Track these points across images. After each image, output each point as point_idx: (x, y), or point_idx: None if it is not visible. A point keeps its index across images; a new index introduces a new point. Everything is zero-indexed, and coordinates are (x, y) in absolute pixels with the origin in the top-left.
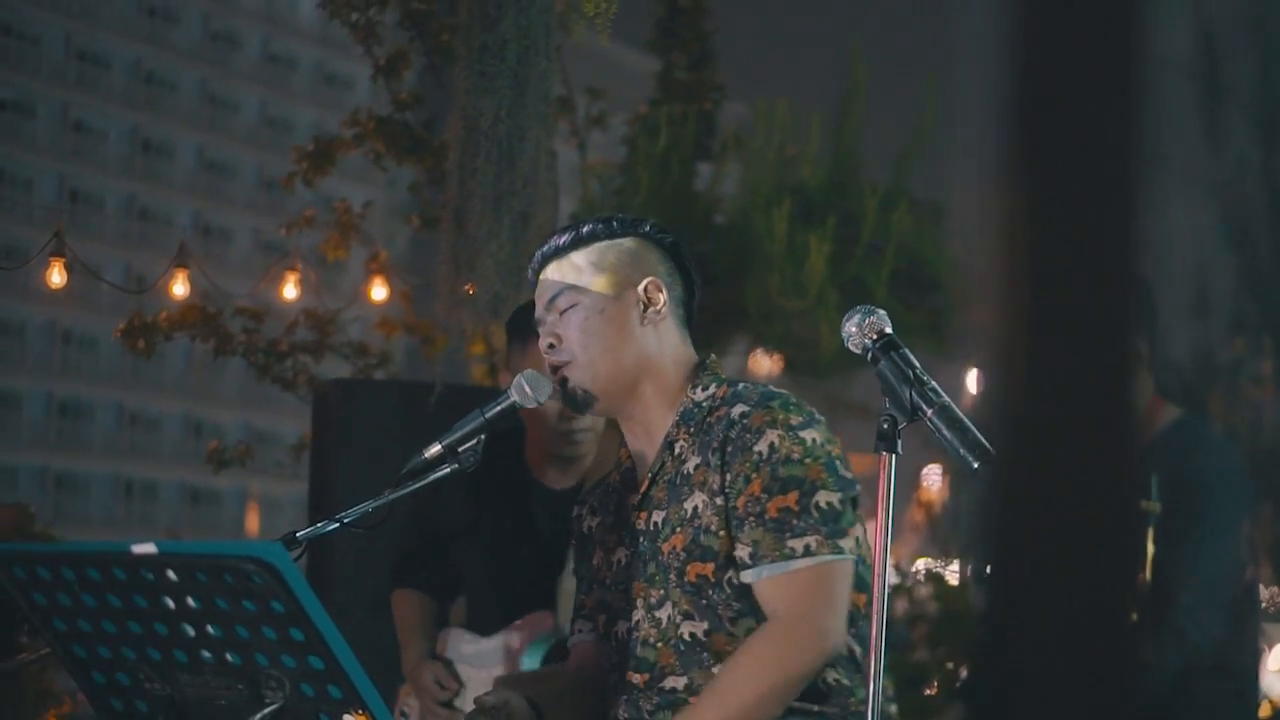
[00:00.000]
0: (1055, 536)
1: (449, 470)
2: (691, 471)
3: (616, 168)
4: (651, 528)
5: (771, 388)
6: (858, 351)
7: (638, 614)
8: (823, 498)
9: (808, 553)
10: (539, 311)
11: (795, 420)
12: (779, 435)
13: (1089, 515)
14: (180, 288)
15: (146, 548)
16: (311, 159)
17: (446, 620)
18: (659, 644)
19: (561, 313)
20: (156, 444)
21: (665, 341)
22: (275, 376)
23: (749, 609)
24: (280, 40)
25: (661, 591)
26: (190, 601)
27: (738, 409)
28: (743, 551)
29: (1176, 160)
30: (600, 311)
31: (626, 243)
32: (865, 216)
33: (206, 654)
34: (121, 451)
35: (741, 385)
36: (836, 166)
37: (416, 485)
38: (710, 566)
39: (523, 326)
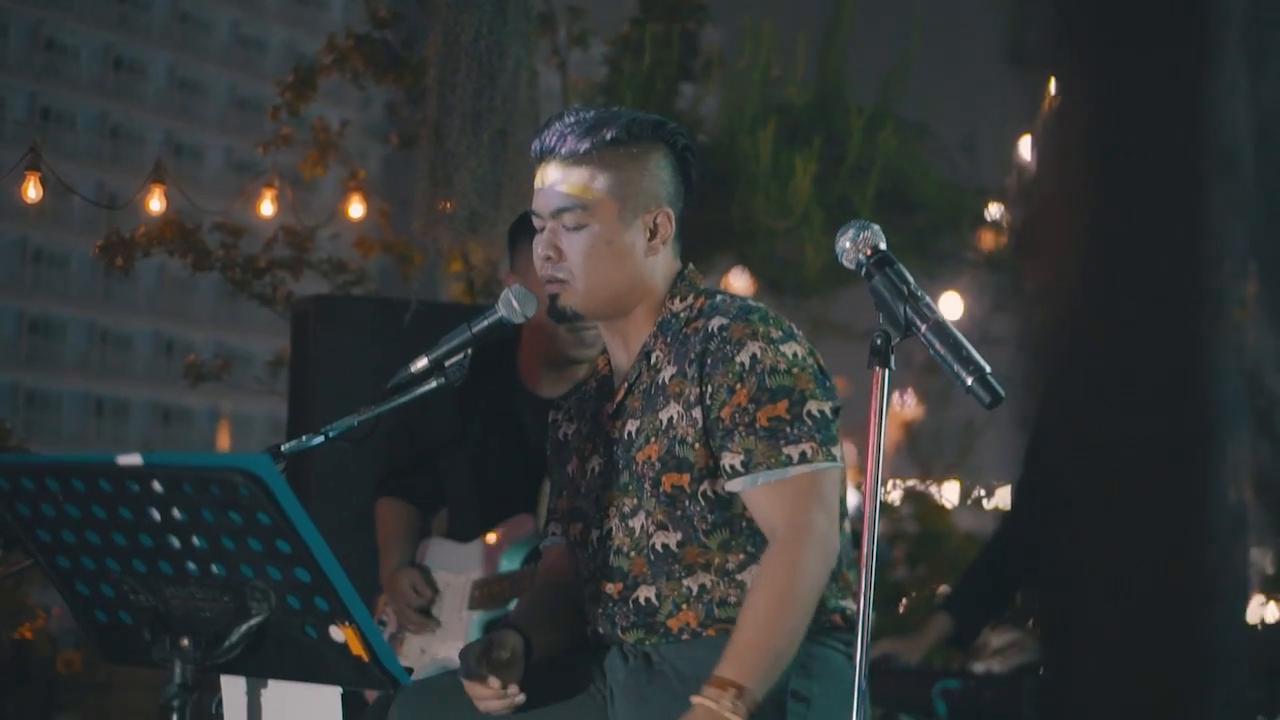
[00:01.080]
0: (1120, 486)
1: (435, 385)
2: (667, 382)
3: (598, 87)
4: (626, 437)
5: (749, 301)
6: (851, 267)
7: (611, 522)
8: (813, 406)
9: (804, 460)
10: (538, 208)
11: (775, 334)
12: (760, 347)
13: (1155, 458)
14: (157, 203)
15: (132, 459)
16: (293, 89)
17: (429, 531)
18: (632, 553)
19: (567, 227)
20: (128, 362)
21: (663, 259)
22: (253, 293)
23: (724, 521)
24: None
25: (635, 500)
26: (176, 513)
27: (716, 321)
28: (732, 460)
29: None
30: (608, 243)
31: (644, 156)
32: (851, 137)
33: (192, 566)
34: (93, 369)
35: (719, 297)
36: (822, 87)
37: (402, 399)
38: (685, 478)
39: (529, 227)
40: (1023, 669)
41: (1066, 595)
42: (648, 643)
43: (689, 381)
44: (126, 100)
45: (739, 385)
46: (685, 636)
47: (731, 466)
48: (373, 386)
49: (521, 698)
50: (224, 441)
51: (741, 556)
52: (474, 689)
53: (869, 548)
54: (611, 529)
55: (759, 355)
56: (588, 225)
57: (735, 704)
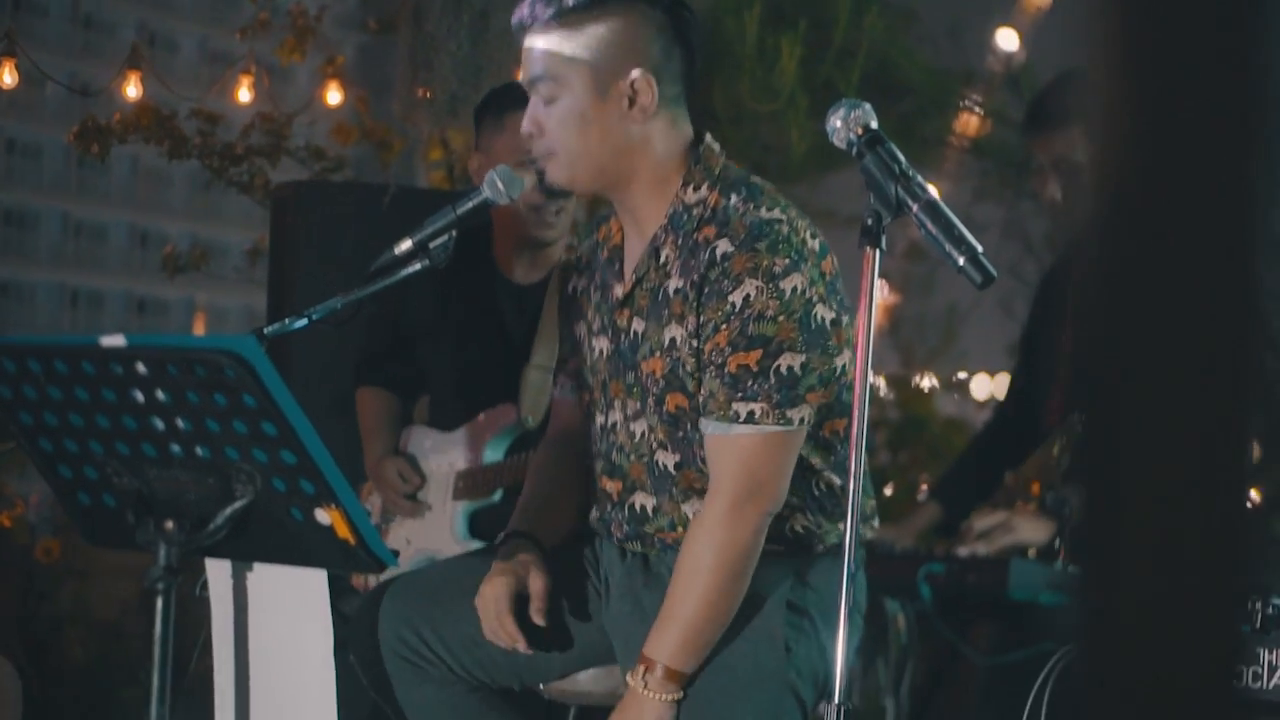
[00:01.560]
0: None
1: (419, 267)
2: (672, 295)
3: None
4: (633, 335)
5: (764, 210)
6: (841, 146)
7: (615, 416)
8: (785, 360)
9: (750, 419)
10: (523, 79)
11: (780, 265)
12: (756, 286)
13: (1203, 392)
14: (133, 89)
15: (115, 340)
16: None
17: (410, 418)
18: (632, 456)
19: (543, 100)
20: (102, 253)
21: (656, 131)
22: (231, 180)
23: None
24: None
25: (638, 405)
26: (160, 395)
27: (722, 246)
28: (701, 398)
29: None
30: (580, 114)
31: (615, 18)
32: (837, 20)
33: (176, 448)
34: (67, 260)
35: (733, 200)
36: None
37: (386, 282)
38: (687, 401)
39: (495, 104)
40: (1008, 551)
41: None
42: (643, 547)
43: (689, 306)
44: None
45: (724, 325)
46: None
47: (701, 403)
48: (352, 272)
49: (528, 649)
50: (199, 332)
51: None
52: (489, 621)
53: (859, 427)
54: (616, 424)
55: (752, 297)
56: (560, 97)
57: (662, 683)
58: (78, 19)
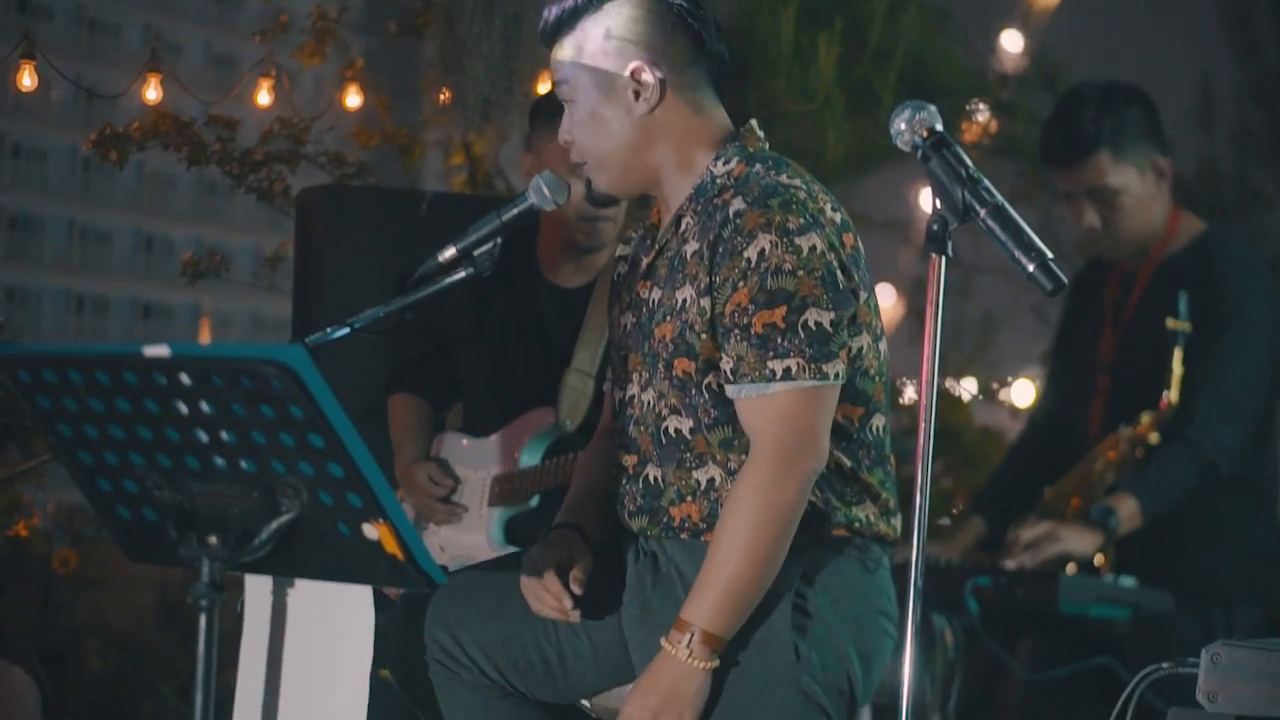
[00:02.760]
0: None
1: (463, 275)
2: (689, 258)
3: None
4: (650, 303)
5: (784, 177)
6: (906, 149)
7: (633, 389)
8: (812, 316)
9: (787, 376)
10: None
11: (794, 223)
12: (771, 240)
13: None
14: (153, 93)
15: (160, 349)
16: None
17: (442, 425)
18: (642, 427)
19: (567, 104)
20: (108, 258)
21: (675, 119)
22: (250, 187)
23: (725, 417)
24: None
25: (648, 374)
26: (204, 406)
27: (735, 204)
28: (726, 364)
29: None
30: (591, 114)
31: (610, 16)
32: (874, 20)
33: (220, 461)
34: (72, 266)
35: (756, 168)
36: None
37: (429, 290)
38: (693, 365)
39: (550, 106)
40: (1054, 562)
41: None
42: (650, 533)
43: (703, 265)
44: None
45: (741, 282)
46: (684, 535)
47: (724, 371)
48: (380, 278)
49: (576, 615)
50: (205, 339)
51: (744, 457)
52: (533, 588)
53: (925, 442)
54: (633, 397)
55: (767, 251)
56: (575, 101)
57: (699, 649)
58: (83, 21)
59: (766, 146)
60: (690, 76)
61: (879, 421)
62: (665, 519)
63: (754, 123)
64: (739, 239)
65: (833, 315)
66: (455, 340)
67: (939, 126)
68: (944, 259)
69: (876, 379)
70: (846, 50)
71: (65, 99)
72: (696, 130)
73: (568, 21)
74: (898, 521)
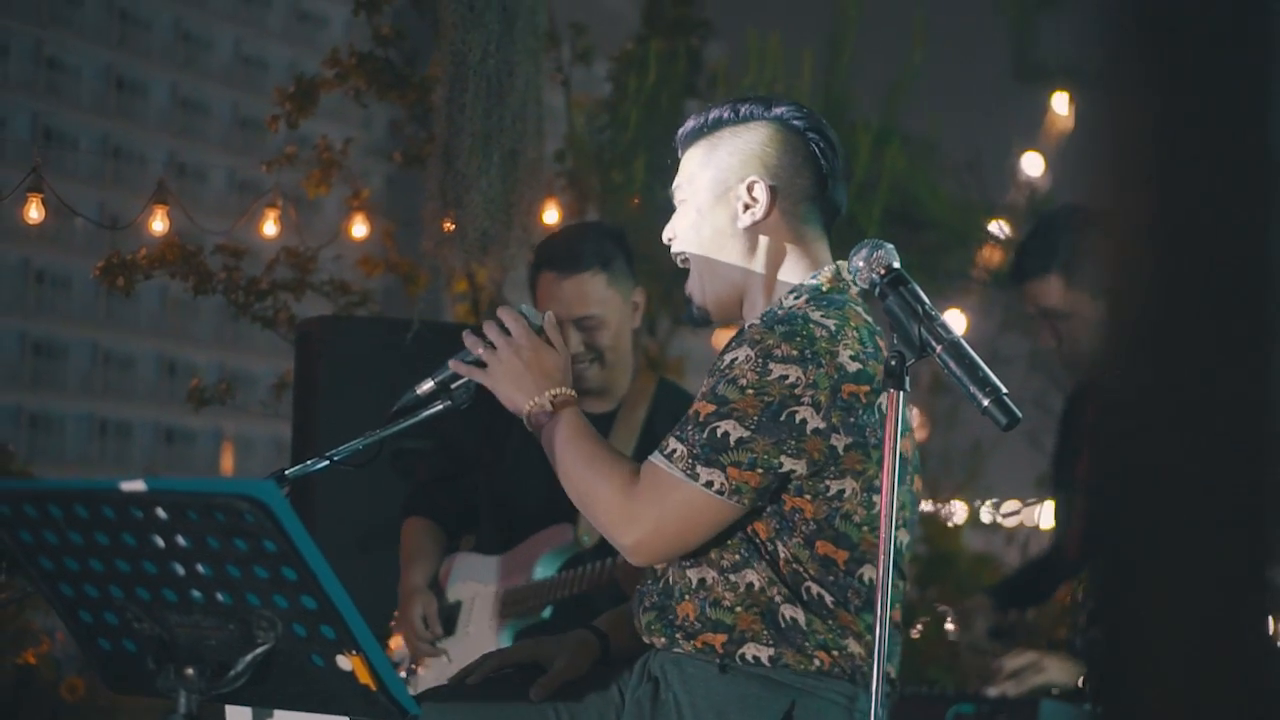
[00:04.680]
0: (1179, 518)
1: (441, 408)
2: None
3: (602, 104)
4: None
5: (818, 313)
6: (864, 286)
7: None
8: (728, 426)
9: (663, 452)
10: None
11: (781, 350)
12: (748, 354)
13: (1217, 493)
14: (159, 224)
15: (136, 485)
16: (294, 100)
17: (455, 547)
18: None
19: (679, 204)
20: (131, 383)
21: (772, 242)
22: (255, 315)
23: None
24: None
25: None
26: (180, 540)
27: (753, 320)
28: None
29: None
30: (697, 209)
31: (749, 131)
32: (858, 154)
33: (196, 593)
34: (96, 390)
35: (804, 297)
36: (828, 103)
37: (408, 423)
38: None
39: (541, 257)
40: (1038, 692)
41: (1123, 614)
42: (654, 630)
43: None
44: (128, 120)
45: (707, 378)
46: (680, 635)
47: None
48: (377, 408)
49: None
50: (227, 463)
51: (736, 558)
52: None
53: (884, 576)
54: None
55: (739, 360)
56: (687, 200)
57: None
58: (108, 150)
59: (851, 291)
60: (803, 210)
61: (871, 573)
62: (670, 616)
63: (843, 265)
64: (732, 344)
65: (746, 434)
66: (474, 464)
67: (896, 264)
68: (901, 394)
69: (864, 528)
70: None
71: (89, 226)
72: (792, 259)
73: (709, 129)
74: (893, 665)
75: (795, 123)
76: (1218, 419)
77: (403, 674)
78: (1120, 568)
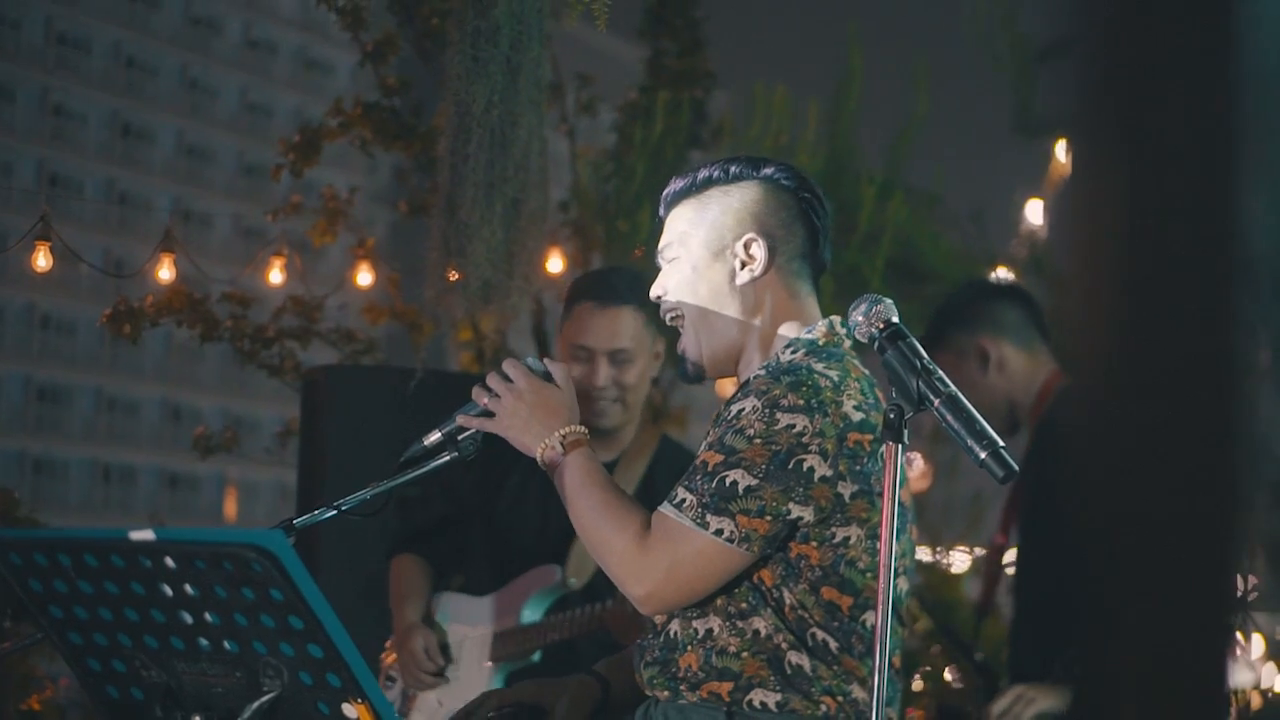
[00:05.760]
0: (1152, 556)
1: (448, 459)
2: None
3: (607, 154)
4: None
5: (820, 365)
6: (864, 340)
7: None
8: (736, 475)
9: (672, 502)
10: (659, 250)
11: (788, 400)
12: (754, 405)
13: (1189, 529)
14: (166, 272)
15: (145, 534)
16: (298, 150)
17: (446, 588)
18: None
19: (668, 263)
20: (135, 429)
21: (768, 299)
22: (261, 363)
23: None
24: (261, 25)
25: None
26: (188, 589)
27: (758, 372)
28: None
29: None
30: (693, 267)
31: (740, 191)
32: (862, 205)
33: (204, 642)
34: (100, 436)
35: (803, 350)
36: (832, 155)
37: (415, 474)
38: None
39: (578, 290)
40: None
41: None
42: (657, 683)
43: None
44: (134, 167)
45: (713, 430)
46: (684, 687)
47: None
48: (383, 457)
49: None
50: (231, 509)
51: (743, 605)
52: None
53: (883, 625)
54: None
55: (746, 411)
56: (679, 258)
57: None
58: (114, 196)
59: (845, 345)
60: (796, 266)
61: (873, 619)
62: (673, 669)
63: (835, 320)
64: (738, 396)
65: (754, 482)
66: (474, 509)
67: (895, 319)
68: (900, 447)
69: (868, 574)
70: (836, 235)
71: (94, 271)
72: (787, 315)
73: (698, 188)
74: (894, 710)
75: (785, 183)
76: (1184, 466)
77: None
78: (1093, 612)
